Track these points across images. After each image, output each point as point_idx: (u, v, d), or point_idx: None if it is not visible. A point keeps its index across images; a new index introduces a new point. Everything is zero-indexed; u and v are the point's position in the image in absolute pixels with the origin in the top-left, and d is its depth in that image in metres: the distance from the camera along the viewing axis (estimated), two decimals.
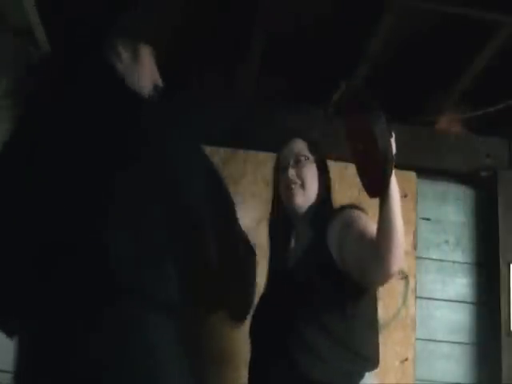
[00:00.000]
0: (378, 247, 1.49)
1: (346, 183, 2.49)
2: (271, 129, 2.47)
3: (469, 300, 2.61)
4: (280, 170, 1.83)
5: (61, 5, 2.10)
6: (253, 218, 2.42)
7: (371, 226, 1.61)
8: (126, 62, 1.47)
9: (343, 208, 1.76)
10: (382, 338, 2.38)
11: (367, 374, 1.63)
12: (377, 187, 1.49)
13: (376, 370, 1.67)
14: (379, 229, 1.50)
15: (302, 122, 2.57)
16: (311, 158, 1.81)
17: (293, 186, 1.77)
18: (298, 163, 1.80)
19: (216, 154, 2.51)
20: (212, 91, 2.48)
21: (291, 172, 1.77)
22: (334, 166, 2.49)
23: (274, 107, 2.55)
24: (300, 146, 1.84)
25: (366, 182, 1.54)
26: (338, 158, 2.53)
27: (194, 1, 2.18)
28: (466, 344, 2.56)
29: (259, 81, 2.47)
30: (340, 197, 2.34)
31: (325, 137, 2.57)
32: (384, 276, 1.52)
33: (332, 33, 2.29)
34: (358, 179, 2.46)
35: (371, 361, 1.65)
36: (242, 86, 2.51)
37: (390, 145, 1.44)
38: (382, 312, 2.42)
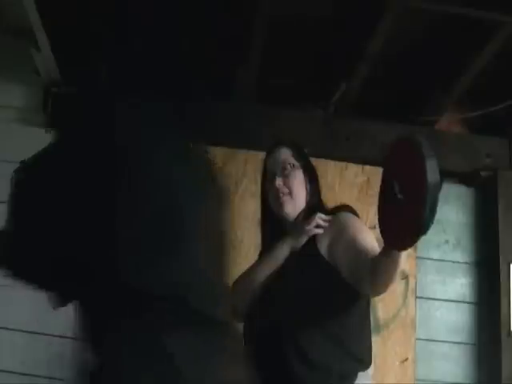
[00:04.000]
0: (375, 277, 1.49)
1: (346, 183, 2.49)
2: (271, 129, 2.47)
3: (469, 300, 2.61)
4: (267, 179, 1.84)
5: (61, 5, 2.10)
6: (253, 218, 2.42)
7: (363, 232, 1.64)
8: None
9: (335, 212, 1.76)
10: (382, 338, 2.40)
11: (360, 374, 1.63)
12: (403, 241, 1.31)
13: (369, 371, 1.68)
14: (383, 270, 1.45)
15: (302, 122, 2.57)
16: (297, 164, 1.82)
17: (281, 195, 1.77)
18: (284, 171, 1.80)
19: (216, 154, 2.51)
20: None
21: (278, 181, 1.78)
22: (333, 166, 2.51)
23: (274, 107, 2.55)
24: (285, 153, 1.84)
25: (388, 230, 1.35)
26: (337, 158, 2.54)
27: (195, 1, 2.18)
28: (466, 344, 2.56)
29: (259, 81, 2.47)
30: (340, 197, 2.35)
31: (325, 137, 2.57)
32: (377, 294, 1.65)
33: (332, 33, 2.29)
34: (357, 179, 2.46)
35: (364, 361, 1.66)
36: (242, 86, 2.51)
37: (438, 196, 1.25)
38: (382, 312, 2.42)
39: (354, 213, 1.77)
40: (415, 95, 2.63)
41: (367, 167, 2.55)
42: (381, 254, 1.43)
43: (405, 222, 1.30)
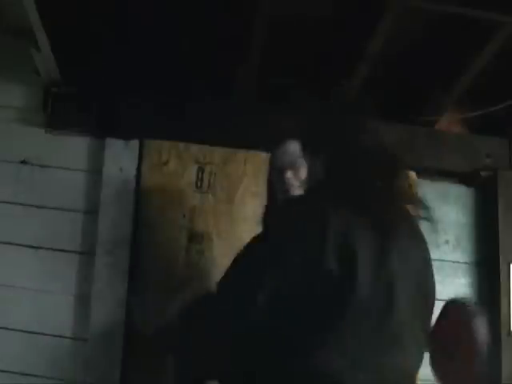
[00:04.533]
0: None
1: None
2: (271, 129, 2.47)
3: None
4: (276, 172, 1.82)
5: (61, 5, 2.10)
6: (253, 218, 2.41)
7: None
8: None
9: None
10: None
11: None
12: None
13: None
14: None
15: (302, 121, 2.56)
16: None
17: (291, 189, 1.76)
18: (294, 164, 1.79)
19: (216, 154, 2.51)
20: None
21: (288, 174, 1.77)
22: None
23: (274, 107, 2.55)
24: (295, 147, 1.83)
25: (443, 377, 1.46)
26: None
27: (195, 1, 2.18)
28: None
29: (259, 80, 2.47)
30: None
31: None
32: None
33: (332, 33, 2.29)
34: None
35: None
36: (242, 85, 2.51)
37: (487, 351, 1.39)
38: None
39: None
40: (415, 95, 2.63)
41: None
42: None
43: (460, 376, 1.40)
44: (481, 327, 1.37)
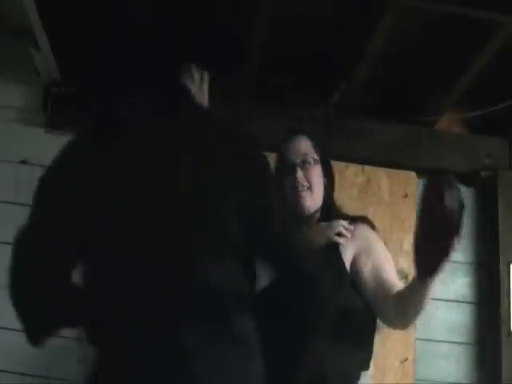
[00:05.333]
0: (396, 311, 1.53)
1: (346, 183, 2.49)
2: (271, 129, 2.47)
3: (469, 300, 2.61)
4: (284, 167, 1.76)
5: (61, 5, 2.10)
6: None
7: (390, 261, 1.66)
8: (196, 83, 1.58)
9: (356, 222, 1.72)
10: (382, 338, 2.40)
11: (363, 374, 1.62)
12: (430, 268, 1.46)
13: (369, 371, 1.67)
14: (407, 303, 1.52)
15: (302, 121, 2.57)
16: (317, 159, 1.77)
17: (300, 189, 1.71)
18: (304, 164, 1.74)
19: None
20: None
21: (299, 174, 1.71)
22: (334, 166, 2.50)
23: (274, 107, 2.55)
24: (307, 145, 1.78)
25: (420, 261, 1.48)
26: (337, 158, 2.54)
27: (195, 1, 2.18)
28: (466, 344, 2.56)
29: (259, 80, 2.47)
30: (340, 197, 2.34)
31: (325, 137, 2.57)
32: (392, 328, 1.67)
33: (332, 33, 2.29)
34: (357, 179, 2.45)
35: (365, 360, 1.65)
36: (242, 85, 2.51)
37: (459, 225, 1.42)
38: None
39: (373, 226, 1.73)
40: (415, 95, 2.63)
41: (367, 167, 2.55)
42: (411, 286, 1.50)
43: (433, 248, 1.41)
44: (451, 197, 1.40)
